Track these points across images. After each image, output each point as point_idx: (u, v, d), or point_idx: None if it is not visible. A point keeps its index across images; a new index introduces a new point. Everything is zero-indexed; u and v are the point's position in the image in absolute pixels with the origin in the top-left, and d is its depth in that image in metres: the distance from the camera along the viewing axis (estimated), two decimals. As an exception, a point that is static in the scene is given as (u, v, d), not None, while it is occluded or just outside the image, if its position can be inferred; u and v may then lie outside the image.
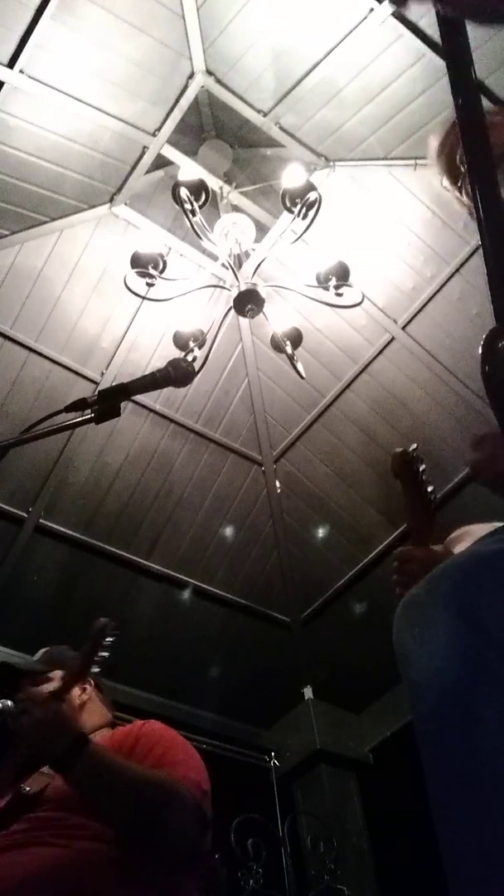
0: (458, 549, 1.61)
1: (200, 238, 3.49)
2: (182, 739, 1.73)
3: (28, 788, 1.64)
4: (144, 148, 3.75)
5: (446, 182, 1.51)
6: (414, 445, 1.58)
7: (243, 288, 3.42)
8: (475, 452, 1.10)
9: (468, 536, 1.65)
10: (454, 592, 0.88)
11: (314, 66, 3.47)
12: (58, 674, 1.89)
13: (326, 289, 3.49)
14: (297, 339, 3.71)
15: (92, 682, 1.95)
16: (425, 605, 0.92)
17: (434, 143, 1.52)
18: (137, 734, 1.71)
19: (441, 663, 0.84)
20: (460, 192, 1.47)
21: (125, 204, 3.94)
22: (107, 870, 1.43)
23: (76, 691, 1.89)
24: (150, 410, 4.43)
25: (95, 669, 1.69)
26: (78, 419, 1.44)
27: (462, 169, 1.43)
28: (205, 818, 1.52)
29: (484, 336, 0.83)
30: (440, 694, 0.83)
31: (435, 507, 1.57)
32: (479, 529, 1.68)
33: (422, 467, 1.56)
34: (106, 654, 1.67)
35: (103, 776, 1.49)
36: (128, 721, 1.87)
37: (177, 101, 3.61)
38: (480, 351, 0.83)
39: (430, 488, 1.58)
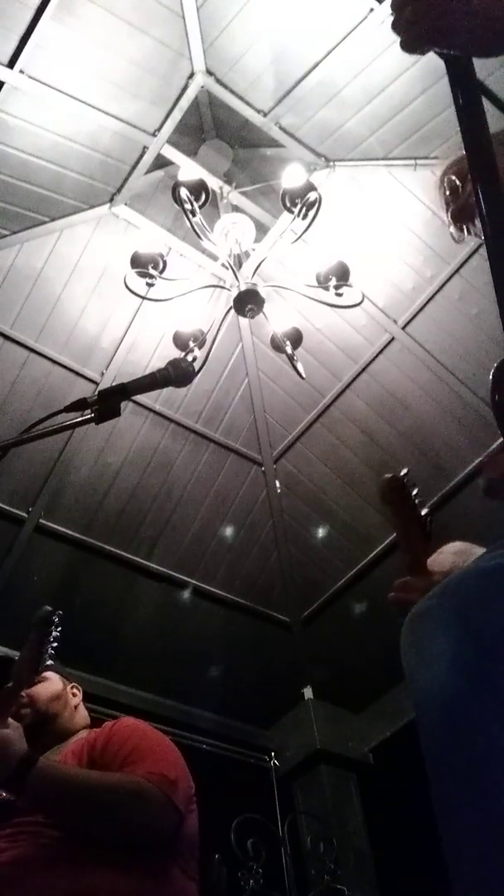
0: (438, 567, 1.60)
1: (200, 238, 3.48)
2: (153, 733, 1.74)
3: (3, 794, 1.64)
4: (144, 148, 3.75)
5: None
6: (404, 470, 1.54)
7: (243, 288, 3.42)
8: (488, 474, 1.09)
9: (448, 555, 1.64)
10: (457, 607, 0.88)
11: (314, 67, 3.47)
12: (53, 675, 1.91)
13: (326, 289, 3.49)
14: (297, 339, 3.71)
15: (78, 686, 1.99)
16: (429, 620, 0.92)
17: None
18: (108, 735, 1.72)
19: (443, 677, 0.84)
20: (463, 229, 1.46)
21: (125, 204, 3.94)
22: (85, 868, 1.44)
23: (70, 692, 1.93)
24: (150, 410, 4.43)
25: (48, 662, 1.67)
26: (78, 419, 1.44)
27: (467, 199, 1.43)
28: (175, 808, 1.52)
29: (495, 366, 0.84)
30: (442, 707, 0.83)
31: (431, 532, 1.53)
32: (455, 548, 1.67)
33: (414, 491, 1.52)
34: (55, 644, 1.64)
35: (56, 792, 1.48)
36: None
37: (177, 101, 3.61)
38: (491, 379, 0.84)
39: (424, 512, 1.53)
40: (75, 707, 1.92)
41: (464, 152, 1.41)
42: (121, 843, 1.49)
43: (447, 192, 1.43)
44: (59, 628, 1.66)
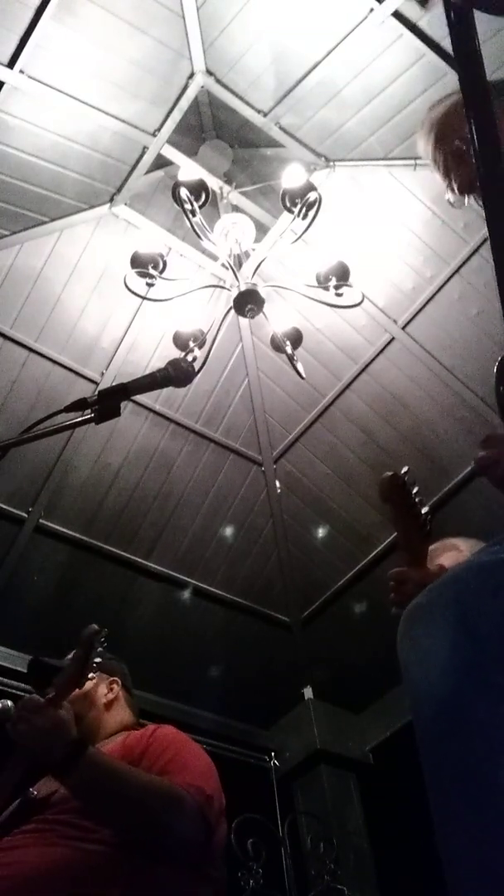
0: (441, 560, 1.60)
1: (200, 238, 3.48)
2: (192, 745, 1.74)
3: (36, 793, 1.65)
4: (144, 148, 3.75)
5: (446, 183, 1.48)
6: (405, 469, 1.54)
7: (243, 288, 3.42)
8: (485, 450, 1.09)
9: (450, 549, 1.65)
10: (453, 602, 0.88)
11: (314, 67, 3.47)
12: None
13: (326, 289, 3.49)
14: (297, 339, 3.71)
15: (119, 682, 1.96)
16: (426, 615, 0.92)
17: (428, 142, 1.49)
18: (148, 740, 1.71)
19: (440, 672, 0.84)
20: (454, 192, 1.45)
21: (125, 204, 3.94)
22: (113, 873, 1.43)
23: (102, 689, 1.91)
24: (150, 410, 4.43)
25: (91, 675, 1.68)
26: (78, 419, 1.44)
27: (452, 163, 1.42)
28: (207, 822, 1.52)
29: (499, 359, 0.85)
30: (439, 703, 0.83)
31: (431, 531, 1.53)
32: (462, 544, 1.68)
33: (414, 490, 1.52)
34: (99, 659, 1.66)
35: (101, 782, 1.49)
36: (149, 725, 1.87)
37: (177, 101, 3.61)
38: (496, 371, 0.85)
39: (424, 510, 1.53)
40: (107, 705, 1.88)
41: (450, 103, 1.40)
42: (146, 845, 1.49)
43: (449, 159, 1.41)
44: (105, 644, 1.67)
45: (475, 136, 0.81)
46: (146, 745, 1.69)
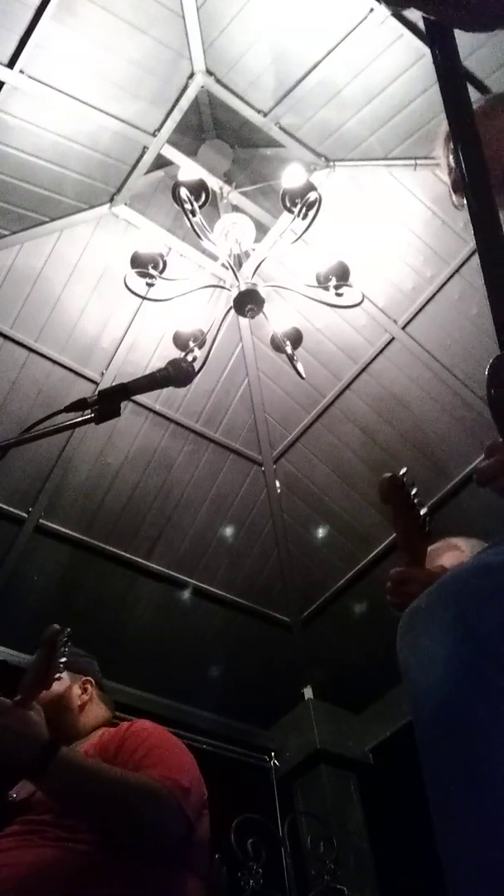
0: (442, 561, 1.61)
1: (200, 238, 3.48)
2: (169, 738, 1.73)
3: (14, 795, 1.64)
4: (144, 148, 3.75)
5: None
6: (403, 470, 1.55)
7: (243, 288, 3.42)
8: (486, 460, 1.09)
9: (451, 549, 1.65)
10: (453, 603, 0.88)
11: (314, 67, 3.47)
12: (64, 675, 1.89)
13: (326, 289, 3.49)
14: (297, 339, 3.71)
15: (93, 681, 1.95)
16: (426, 616, 0.92)
17: (439, 144, 1.51)
18: (124, 735, 1.71)
19: (439, 673, 0.84)
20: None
21: (125, 204, 3.94)
22: (103, 872, 1.43)
23: (76, 691, 1.90)
24: (150, 410, 4.43)
25: (57, 675, 1.66)
26: (78, 419, 1.45)
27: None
28: (185, 816, 1.51)
29: (490, 362, 0.85)
30: (438, 703, 0.83)
31: (429, 531, 1.54)
32: (462, 544, 1.68)
33: (413, 491, 1.52)
34: (64, 659, 1.64)
35: (74, 782, 1.48)
36: (126, 721, 1.87)
37: (177, 101, 3.61)
38: (487, 374, 0.85)
39: (422, 511, 1.53)
40: (82, 706, 1.88)
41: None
42: (125, 842, 1.48)
43: (450, 160, 1.43)
44: (69, 644, 1.65)
45: (461, 158, 0.82)
46: (121, 740, 1.69)
